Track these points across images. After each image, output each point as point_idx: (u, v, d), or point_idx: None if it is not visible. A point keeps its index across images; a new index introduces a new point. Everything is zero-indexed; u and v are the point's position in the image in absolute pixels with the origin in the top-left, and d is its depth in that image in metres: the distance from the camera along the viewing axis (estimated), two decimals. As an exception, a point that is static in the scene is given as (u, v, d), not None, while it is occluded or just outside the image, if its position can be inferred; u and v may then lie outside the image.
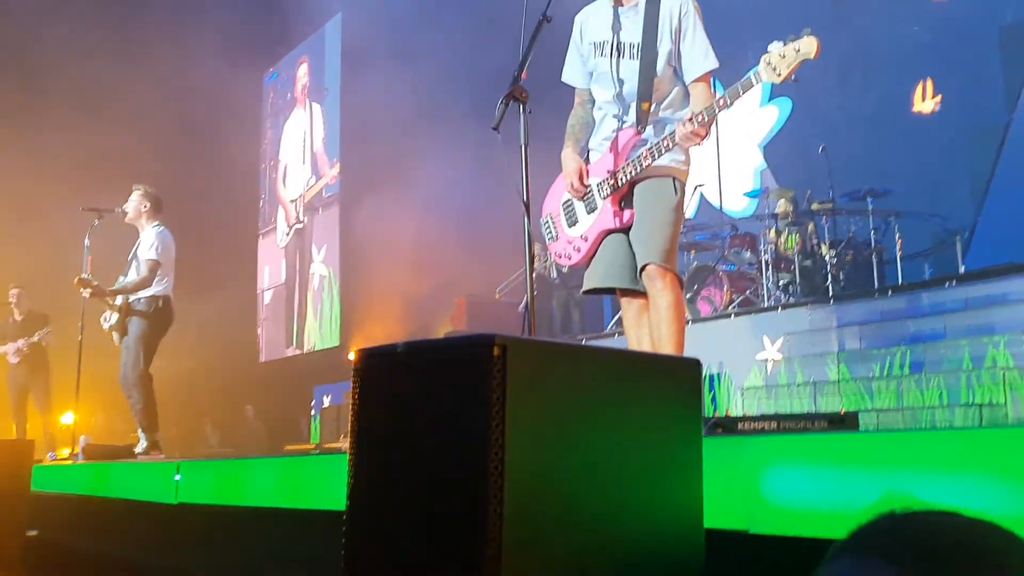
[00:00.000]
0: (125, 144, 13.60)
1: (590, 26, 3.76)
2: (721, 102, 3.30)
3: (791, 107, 10.09)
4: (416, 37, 12.35)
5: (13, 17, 13.59)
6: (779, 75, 3.18)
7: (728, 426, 2.84)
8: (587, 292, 3.82)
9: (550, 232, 3.88)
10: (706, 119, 3.31)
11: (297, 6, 14.90)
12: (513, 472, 1.44)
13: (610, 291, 3.77)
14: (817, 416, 2.80)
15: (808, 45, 3.13)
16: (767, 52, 3.21)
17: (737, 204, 9.82)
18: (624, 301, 3.75)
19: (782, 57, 3.17)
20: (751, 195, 9.39)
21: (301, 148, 16.57)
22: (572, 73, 3.84)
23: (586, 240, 3.69)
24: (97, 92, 13.65)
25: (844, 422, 2.71)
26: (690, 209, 8.59)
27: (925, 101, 8.97)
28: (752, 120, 10.39)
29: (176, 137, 14.93)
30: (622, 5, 3.66)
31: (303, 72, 16.68)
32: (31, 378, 9.58)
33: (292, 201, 16.67)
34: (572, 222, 3.76)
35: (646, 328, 3.66)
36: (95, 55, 13.35)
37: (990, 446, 1.63)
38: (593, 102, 3.79)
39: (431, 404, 1.57)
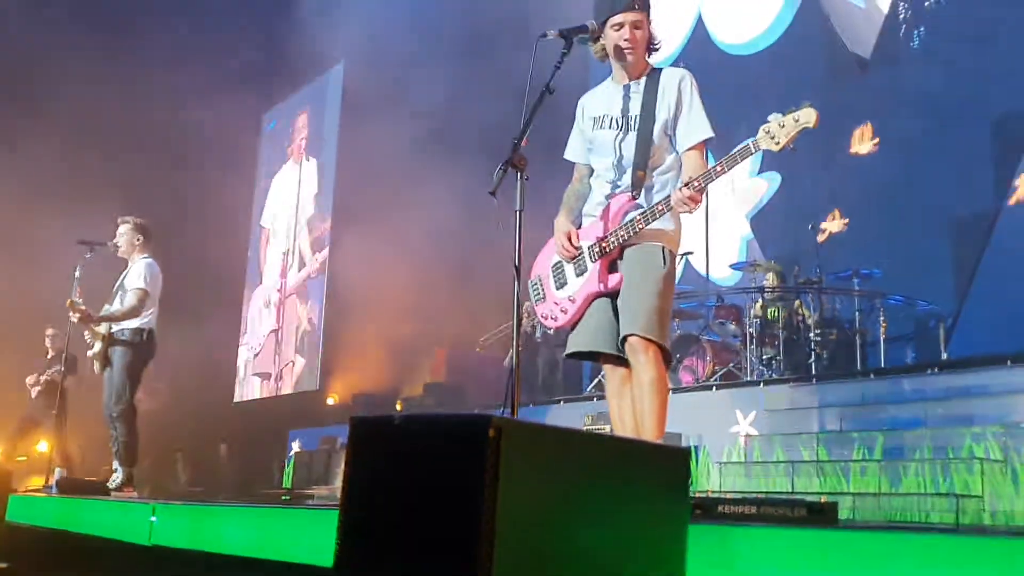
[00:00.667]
0: (120, 175, 13.67)
1: (592, 105, 3.87)
2: (718, 168, 3.35)
3: (780, 181, 10.24)
4: (415, 92, 12.50)
5: (13, 48, 13.69)
6: (778, 144, 3.24)
7: (708, 507, 2.86)
8: (570, 356, 3.80)
9: (538, 293, 3.88)
10: (702, 184, 3.35)
11: (298, 49, 15.06)
12: (502, 552, 1.46)
13: (593, 356, 3.75)
14: (796, 503, 2.82)
15: (807, 115, 3.20)
16: (767, 122, 3.28)
17: (723, 272, 9.91)
18: (607, 368, 3.73)
19: (781, 127, 3.23)
20: (737, 267, 9.50)
21: (291, 208, 16.54)
22: (573, 151, 3.92)
23: (573, 302, 3.69)
24: (95, 122, 13.74)
25: (823, 512, 2.73)
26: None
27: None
28: (741, 191, 10.54)
29: (168, 171, 15.02)
30: (626, 82, 3.76)
31: (302, 123, 16.72)
32: (46, 412, 9.51)
33: (272, 267, 16.65)
34: (560, 284, 3.77)
35: (628, 399, 3.65)
36: (95, 85, 13.46)
37: (971, 552, 1.66)
38: (590, 176, 3.86)
39: (424, 477, 1.59)
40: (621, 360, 3.64)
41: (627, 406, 3.66)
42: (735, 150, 3.32)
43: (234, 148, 16.76)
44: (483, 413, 1.52)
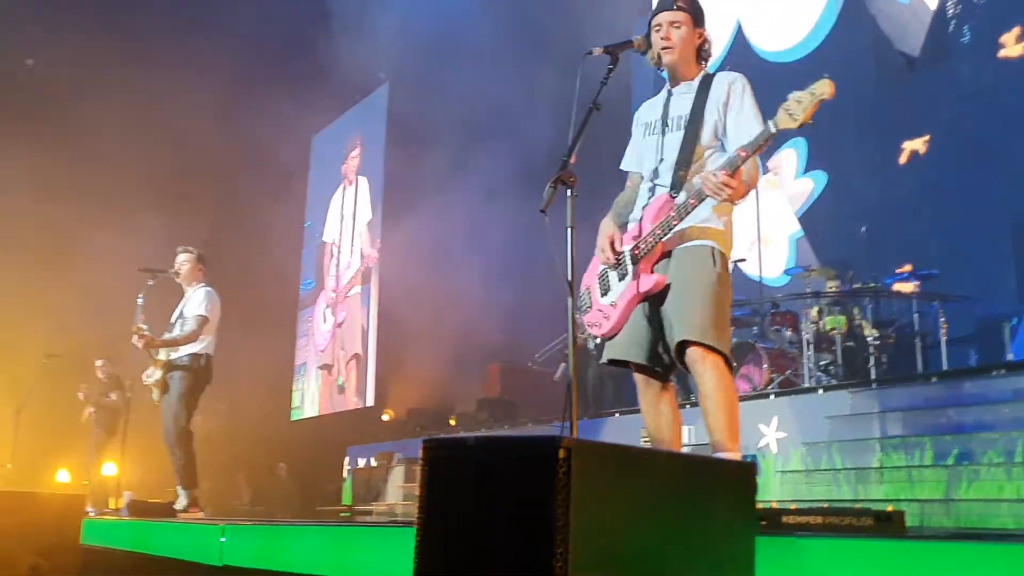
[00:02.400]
0: (173, 200, 13.96)
1: (644, 113, 3.86)
2: (742, 153, 3.29)
3: (826, 180, 10.15)
4: (460, 109, 12.60)
5: (59, 82, 14.05)
6: (796, 120, 3.18)
7: (773, 519, 2.85)
8: (605, 363, 3.73)
9: (586, 303, 3.81)
10: (729, 170, 3.28)
11: (343, 70, 15.28)
12: (576, 571, 1.49)
13: (627, 365, 3.66)
14: (863, 512, 2.80)
15: (822, 87, 3.15)
16: (785, 100, 3.25)
17: (773, 272, 9.81)
18: (640, 380, 3.64)
19: (799, 102, 3.20)
20: (791, 272, 9.42)
21: (340, 229, 17.05)
22: (627, 160, 3.92)
23: (615, 307, 3.61)
24: (144, 147, 14.06)
25: (891, 520, 2.71)
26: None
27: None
28: (788, 191, 10.46)
29: (221, 195, 15.32)
30: (678, 86, 3.76)
31: (355, 150, 17.11)
32: (106, 437, 9.85)
33: (334, 277, 17.06)
34: (604, 291, 3.70)
35: (664, 413, 3.60)
36: (143, 109, 13.78)
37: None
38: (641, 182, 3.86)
39: (497, 498, 1.63)
40: (655, 372, 3.59)
41: (664, 421, 3.61)
42: (757, 132, 3.30)
43: (284, 171, 17.06)
44: (552, 435, 1.55)
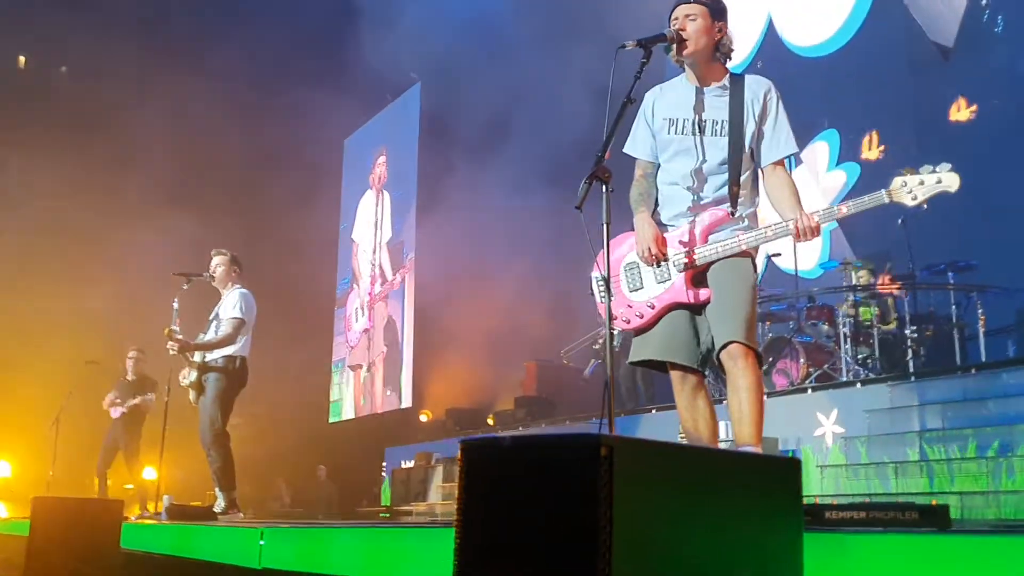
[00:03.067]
0: (208, 204, 14.10)
1: (665, 102, 3.81)
2: (843, 208, 3.37)
3: (859, 172, 10.04)
4: (492, 108, 12.61)
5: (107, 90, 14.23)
6: (914, 199, 3.24)
7: (816, 514, 2.83)
8: (635, 363, 3.78)
9: (606, 291, 3.82)
10: (824, 219, 3.39)
11: (375, 70, 15.35)
12: (619, 570, 1.48)
13: (659, 365, 3.72)
14: (907, 506, 2.77)
15: (951, 180, 3.19)
16: (901, 174, 3.25)
17: (808, 264, 9.72)
18: (676, 377, 3.68)
19: (921, 184, 3.21)
20: (827, 265, 9.33)
21: (374, 229, 17.17)
22: (637, 145, 3.85)
23: (652, 308, 3.66)
24: (178, 152, 14.22)
25: (936, 514, 2.68)
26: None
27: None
28: (821, 183, 10.37)
29: (256, 197, 15.45)
30: (703, 85, 3.74)
31: (381, 161, 17.27)
32: (125, 438, 9.90)
33: (366, 290, 17.26)
34: (635, 287, 3.71)
35: (701, 409, 3.65)
36: (176, 116, 13.93)
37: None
38: (655, 175, 3.83)
39: (537, 499, 1.62)
40: (690, 370, 3.63)
41: (700, 417, 3.66)
42: (867, 196, 3.31)
43: (317, 173, 17.21)
44: (593, 433, 1.55)
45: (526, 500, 1.63)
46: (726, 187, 3.62)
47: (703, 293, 3.58)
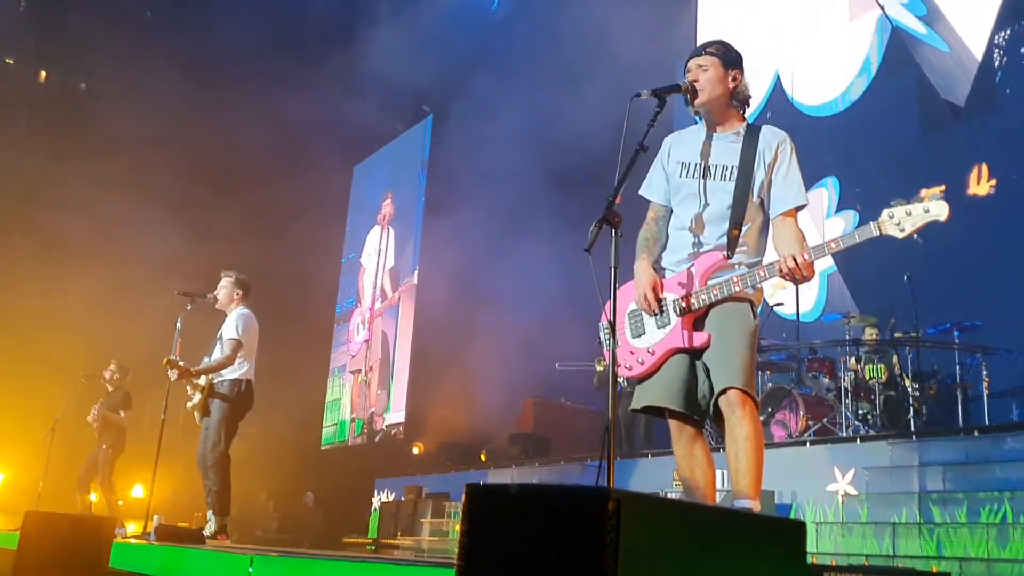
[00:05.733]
0: (214, 226, 14.14)
1: (680, 147, 3.83)
2: (832, 244, 3.32)
3: (857, 220, 10.05)
4: (501, 144, 12.66)
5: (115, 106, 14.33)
6: (902, 231, 3.19)
7: (814, 574, 2.79)
8: (636, 410, 3.72)
9: (610, 340, 3.82)
10: (814, 258, 3.34)
11: (386, 101, 15.47)
12: (621, 628, 1.45)
13: (659, 412, 3.67)
14: (907, 572, 2.73)
15: (939, 208, 3.14)
16: (890, 206, 3.23)
17: (804, 307, 9.69)
18: (675, 426, 3.65)
19: (908, 215, 3.18)
20: (830, 317, 9.30)
21: (376, 260, 17.97)
22: (651, 188, 3.87)
23: (652, 354, 3.64)
24: (187, 173, 14.28)
25: (937, 582, 2.64)
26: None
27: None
28: (819, 229, 10.37)
29: (261, 220, 15.51)
30: (716, 131, 3.75)
31: (388, 203, 17.94)
32: (97, 451, 9.81)
33: (367, 307, 17.86)
34: (637, 333, 3.71)
35: (699, 458, 3.62)
36: (190, 137, 14.01)
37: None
38: (667, 219, 3.83)
39: (541, 548, 1.59)
40: (689, 418, 3.60)
41: (698, 465, 3.62)
42: (856, 231, 3.28)
43: (326, 199, 17.32)
44: (600, 487, 1.52)
45: (530, 549, 1.60)
46: (726, 234, 3.61)
47: (700, 337, 3.55)
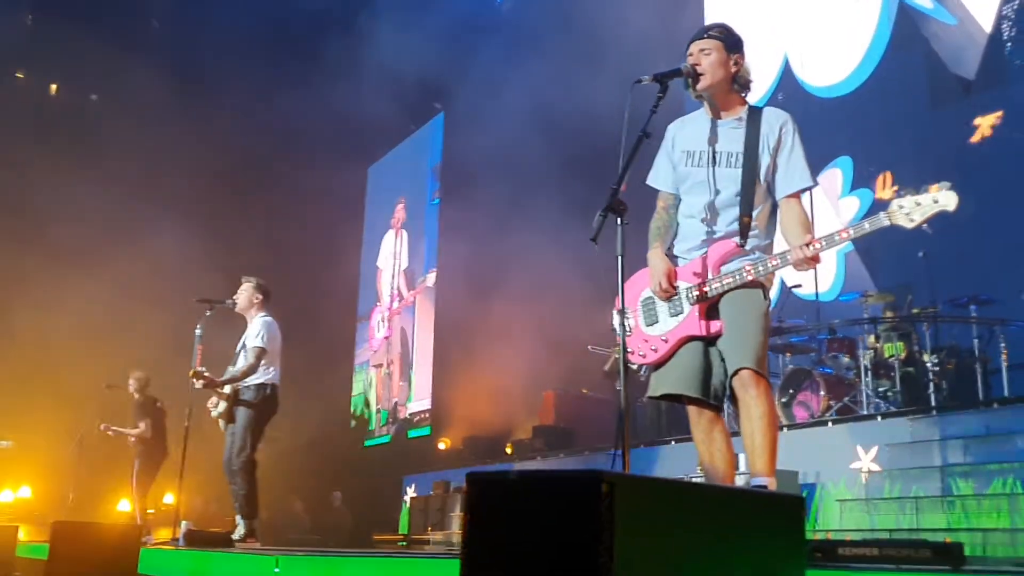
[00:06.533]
0: (233, 232, 14.24)
1: (684, 135, 3.85)
2: (843, 234, 3.35)
3: (872, 199, 10.00)
4: (513, 137, 12.66)
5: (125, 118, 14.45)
6: (912, 222, 3.23)
7: (828, 551, 2.81)
8: (653, 397, 3.77)
9: (625, 328, 3.83)
10: (824, 247, 3.36)
11: (397, 102, 15.51)
12: (620, 607, 1.48)
13: (676, 399, 3.72)
14: (920, 543, 2.75)
15: (947, 199, 3.17)
16: (900, 195, 3.26)
17: (822, 287, 9.66)
18: (693, 411, 3.70)
19: (917, 204, 3.21)
20: (848, 297, 9.27)
21: (392, 262, 18.45)
22: (659, 176, 3.90)
23: (666, 342, 3.67)
24: (200, 178, 14.38)
25: (949, 552, 2.65)
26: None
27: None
28: (837, 207, 10.33)
29: (279, 225, 15.60)
30: (720, 118, 3.76)
31: (400, 207, 18.38)
32: (140, 466, 9.89)
33: (387, 306, 18.34)
34: (651, 321, 3.74)
35: (718, 443, 3.65)
36: (204, 151, 14.11)
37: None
38: (676, 207, 3.85)
39: (540, 533, 1.63)
40: (706, 403, 3.63)
41: (717, 450, 3.65)
42: (867, 221, 3.30)
43: (341, 201, 17.41)
44: (595, 469, 1.55)
45: (530, 534, 1.63)
46: (738, 220, 3.63)
47: (715, 325, 3.59)
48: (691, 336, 3.63)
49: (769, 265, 3.50)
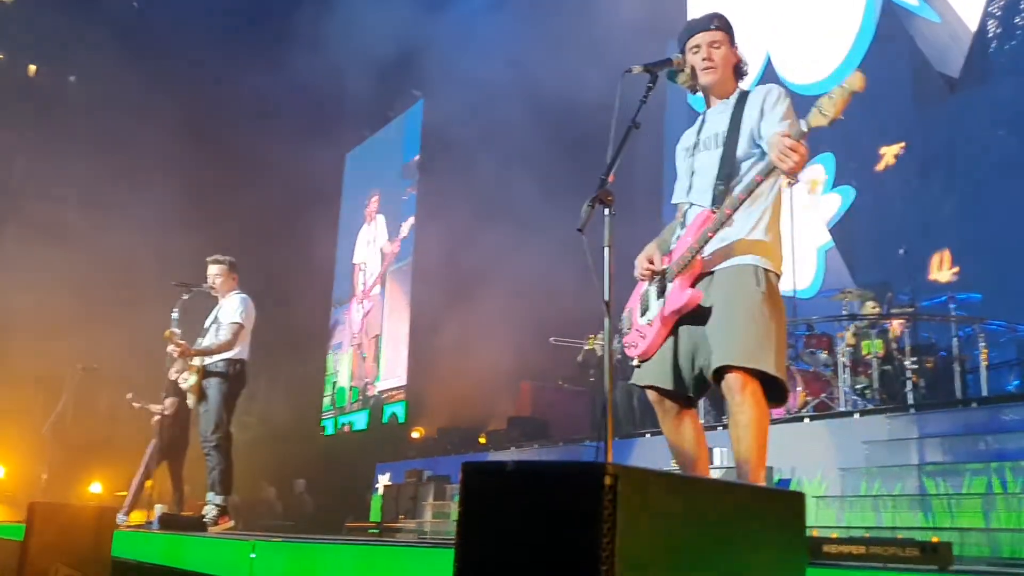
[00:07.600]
0: (208, 215, 14.11)
1: (683, 139, 3.82)
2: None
3: (854, 196, 10.03)
4: (496, 126, 12.62)
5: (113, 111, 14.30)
6: (827, 116, 3.09)
7: (814, 548, 2.79)
8: (639, 387, 3.59)
9: (627, 325, 3.76)
10: (796, 136, 3.15)
11: (378, 86, 15.41)
12: (620, 602, 1.45)
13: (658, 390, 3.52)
14: (907, 542, 2.73)
15: (853, 80, 3.04)
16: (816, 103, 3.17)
17: (801, 284, 9.68)
18: (656, 404, 3.52)
19: (830, 98, 3.11)
20: (827, 293, 9.30)
21: (366, 250, 18.71)
22: (676, 191, 3.79)
23: (651, 326, 3.51)
24: (182, 162, 14.26)
25: (937, 551, 2.64)
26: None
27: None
28: (816, 207, 10.36)
29: (256, 207, 15.49)
30: (712, 105, 3.72)
31: (374, 201, 18.63)
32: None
33: (361, 291, 18.50)
34: (644, 311, 3.62)
35: (688, 439, 3.48)
36: (181, 126, 13.98)
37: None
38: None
39: (539, 525, 1.59)
40: (677, 397, 3.47)
41: (688, 445, 3.49)
42: (801, 119, 3.18)
43: (318, 186, 17.30)
44: (597, 461, 1.52)
45: (528, 526, 1.60)
46: (712, 188, 3.49)
47: (682, 296, 3.39)
48: (675, 312, 3.43)
49: (724, 216, 3.34)
